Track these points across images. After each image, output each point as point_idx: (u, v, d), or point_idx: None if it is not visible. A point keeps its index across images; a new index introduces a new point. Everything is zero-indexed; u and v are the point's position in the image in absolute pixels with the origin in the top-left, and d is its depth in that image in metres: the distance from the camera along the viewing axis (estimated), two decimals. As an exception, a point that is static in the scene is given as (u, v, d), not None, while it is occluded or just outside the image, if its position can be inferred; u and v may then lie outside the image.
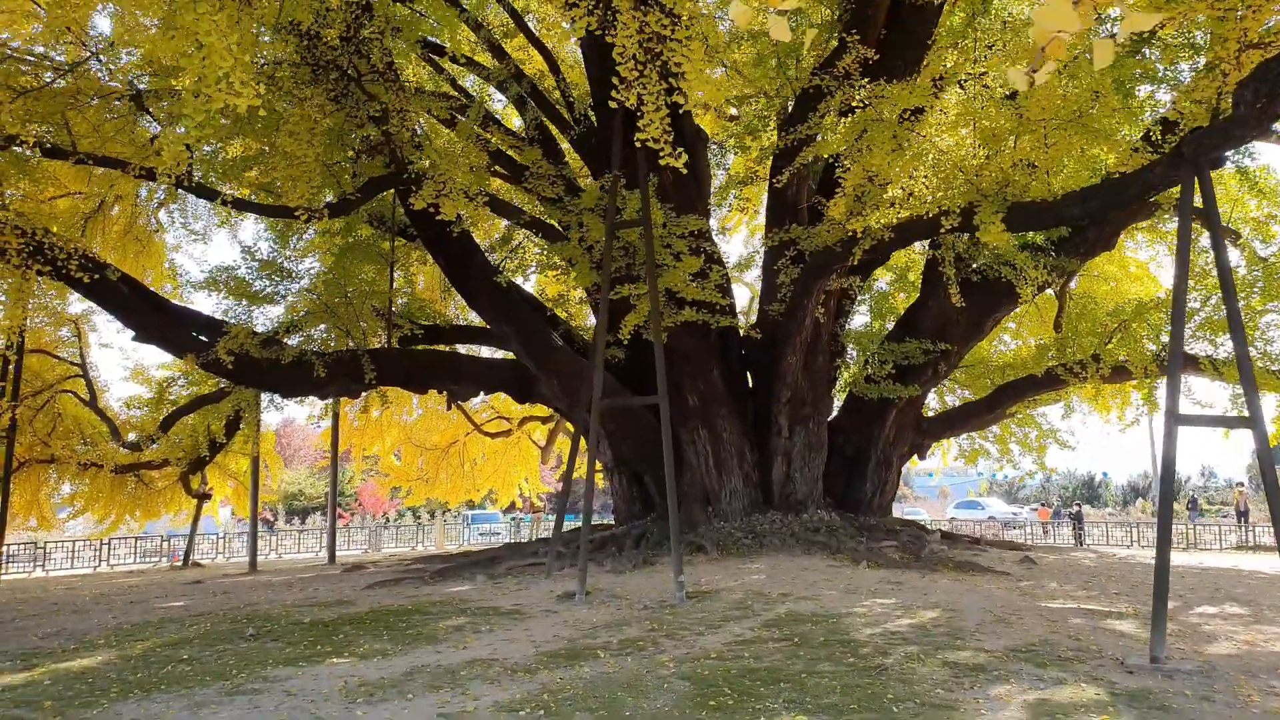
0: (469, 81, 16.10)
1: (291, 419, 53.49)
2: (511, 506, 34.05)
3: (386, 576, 13.12)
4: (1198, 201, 6.84)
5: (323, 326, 15.31)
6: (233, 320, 14.37)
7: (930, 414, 17.21)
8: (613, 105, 6.97)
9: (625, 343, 12.00)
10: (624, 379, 14.42)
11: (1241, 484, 39.07)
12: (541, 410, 28.80)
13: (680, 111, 7.82)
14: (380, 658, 7.14)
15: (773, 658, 6.62)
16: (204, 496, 23.25)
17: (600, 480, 22.14)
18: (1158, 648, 6.34)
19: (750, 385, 15.14)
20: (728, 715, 5.23)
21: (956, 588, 9.89)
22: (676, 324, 12.32)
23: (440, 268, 14.26)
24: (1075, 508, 35.10)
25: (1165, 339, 15.60)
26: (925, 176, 8.82)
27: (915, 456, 17.05)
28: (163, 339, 12.55)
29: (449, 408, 27.92)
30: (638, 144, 7.09)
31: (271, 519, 46.99)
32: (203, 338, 12.71)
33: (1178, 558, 16.74)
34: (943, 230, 8.81)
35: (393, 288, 15.26)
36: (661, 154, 6.90)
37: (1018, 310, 16.94)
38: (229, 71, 5.11)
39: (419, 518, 49.98)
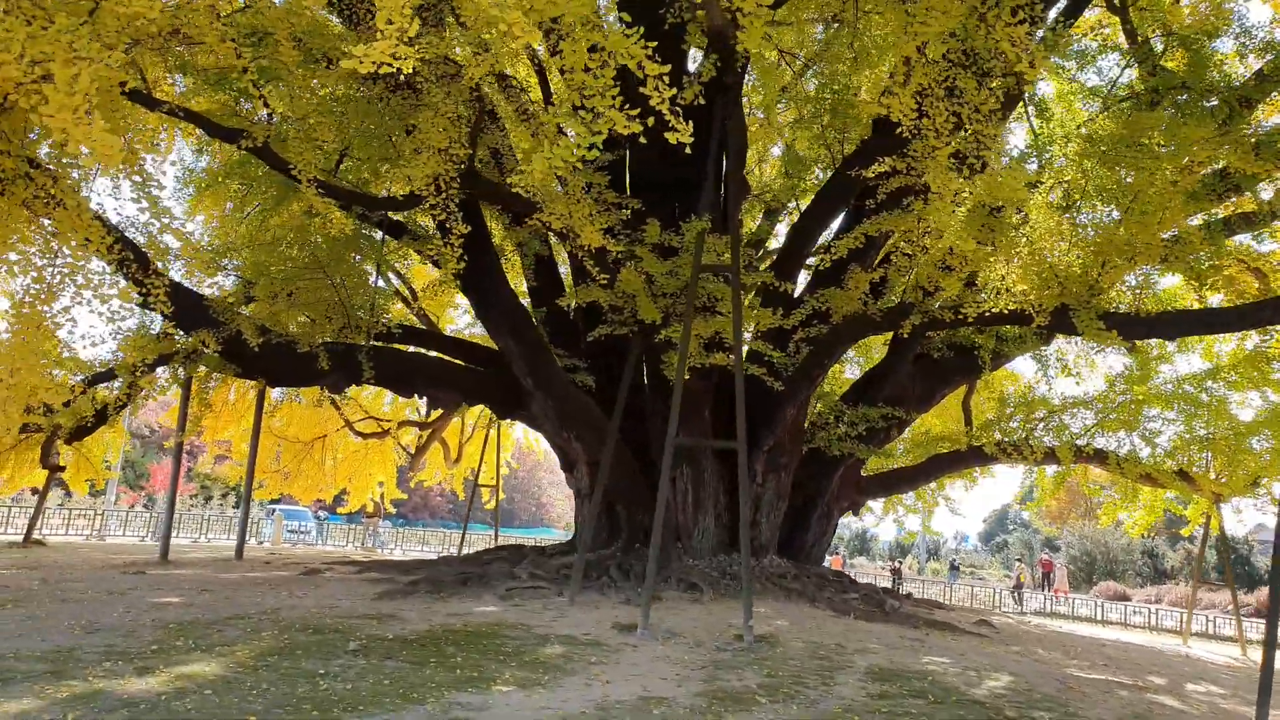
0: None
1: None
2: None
3: (380, 586, 12.42)
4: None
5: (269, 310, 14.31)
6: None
7: (867, 474, 18.31)
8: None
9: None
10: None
11: (1020, 559, 43.80)
12: (399, 415, 28.01)
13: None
14: (543, 688, 6.98)
15: (936, 717, 7.05)
16: (57, 468, 20.88)
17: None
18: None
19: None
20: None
21: (978, 649, 10.75)
22: (705, 365, 12.59)
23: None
24: (896, 563, 38.28)
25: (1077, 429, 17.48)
26: (1014, 273, 9.68)
27: (851, 512, 18.10)
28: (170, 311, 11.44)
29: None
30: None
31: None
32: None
33: (1080, 629, 18.72)
34: (1033, 325, 9.73)
35: (377, 283, 14.60)
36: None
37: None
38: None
39: (207, 504, 46.68)
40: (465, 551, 26.20)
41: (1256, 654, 17.29)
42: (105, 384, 17.12)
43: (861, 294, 12.65)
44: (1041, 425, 17.67)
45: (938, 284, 11.45)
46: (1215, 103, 11.69)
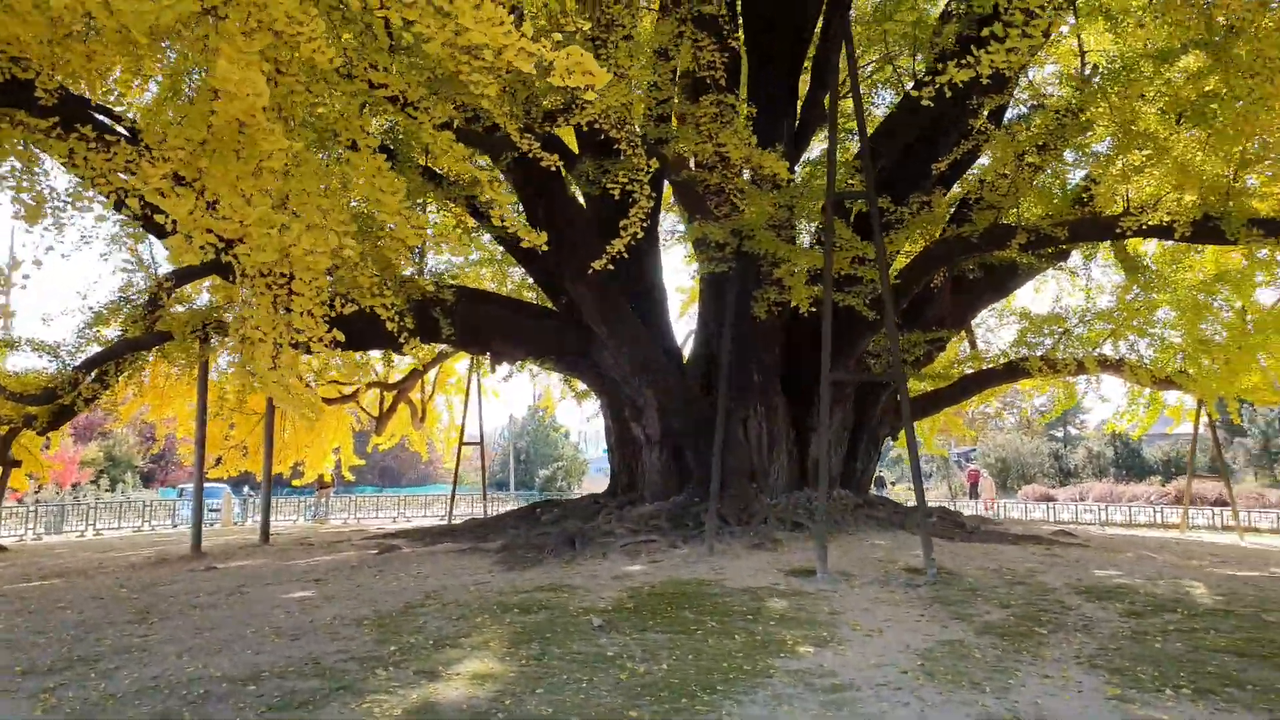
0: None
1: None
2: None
3: (478, 558, 11.64)
4: None
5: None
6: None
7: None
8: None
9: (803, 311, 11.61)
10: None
11: (974, 465, 45.39)
12: (350, 377, 26.64)
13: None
14: (839, 645, 6.61)
15: (1217, 636, 7.03)
16: (14, 463, 18.88)
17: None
18: None
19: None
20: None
21: (1120, 560, 10.95)
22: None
23: (532, 215, 12.89)
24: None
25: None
26: (1174, 180, 9.63)
27: (891, 438, 18.15)
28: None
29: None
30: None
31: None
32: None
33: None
34: (1175, 238, 9.72)
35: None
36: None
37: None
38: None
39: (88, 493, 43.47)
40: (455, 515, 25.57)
41: (1255, 539, 18.45)
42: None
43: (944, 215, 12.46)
44: (1051, 339, 18.03)
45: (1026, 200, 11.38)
46: None
